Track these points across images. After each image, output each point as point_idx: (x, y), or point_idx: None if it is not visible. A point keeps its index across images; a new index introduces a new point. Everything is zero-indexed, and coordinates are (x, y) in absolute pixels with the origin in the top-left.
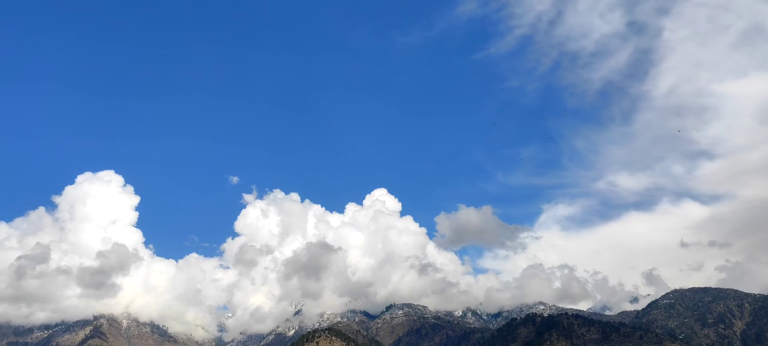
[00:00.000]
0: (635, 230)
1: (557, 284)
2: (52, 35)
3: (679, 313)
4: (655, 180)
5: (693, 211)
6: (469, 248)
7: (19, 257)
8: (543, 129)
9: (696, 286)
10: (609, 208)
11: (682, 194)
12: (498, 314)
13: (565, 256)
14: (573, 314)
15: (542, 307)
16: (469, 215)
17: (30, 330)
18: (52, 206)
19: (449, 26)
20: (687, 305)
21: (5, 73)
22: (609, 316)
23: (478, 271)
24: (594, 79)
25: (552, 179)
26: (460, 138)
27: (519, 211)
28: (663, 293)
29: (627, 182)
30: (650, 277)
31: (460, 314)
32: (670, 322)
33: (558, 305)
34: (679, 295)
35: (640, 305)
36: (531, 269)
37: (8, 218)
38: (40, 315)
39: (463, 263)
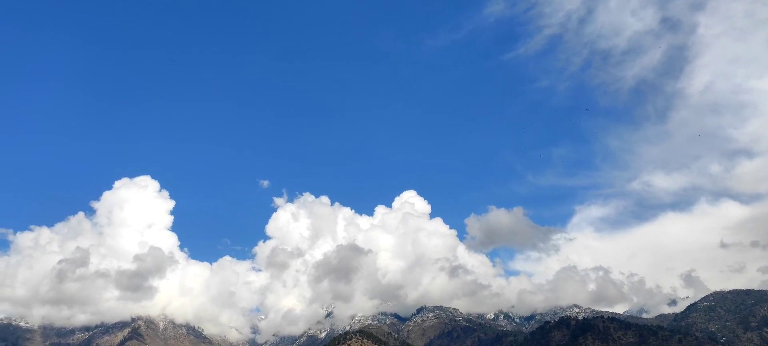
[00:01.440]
0: (672, 230)
1: (592, 287)
2: (90, 45)
3: (720, 316)
4: (692, 180)
5: (732, 211)
6: (499, 250)
7: (60, 261)
8: (575, 129)
9: (738, 288)
10: (644, 208)
11: (720, 194)
12: (531, 317)
13: (599, 258)
14: (609, 316)
15: (577, 310)
16: (499, 217)
17: (71, 332)
18: (91, 212)
19: (477, 28)
20: (728, 307)
21: (49, 83)
22: (646, 319)
23: (509, 273)
24: (627, 77)
25: (584, 179)
26: (490, 139)
27: (551, 212)
28: (703, 296)
29: (663, 182)
30: (689, 279)
31: (492, 316)
32: (711, 325)
33: (593, 307)
34: (719, 297)
35: (678, 308)
36: (564, 271)
37: (50, 223)
38: (81, 317)
39: (494, 266)
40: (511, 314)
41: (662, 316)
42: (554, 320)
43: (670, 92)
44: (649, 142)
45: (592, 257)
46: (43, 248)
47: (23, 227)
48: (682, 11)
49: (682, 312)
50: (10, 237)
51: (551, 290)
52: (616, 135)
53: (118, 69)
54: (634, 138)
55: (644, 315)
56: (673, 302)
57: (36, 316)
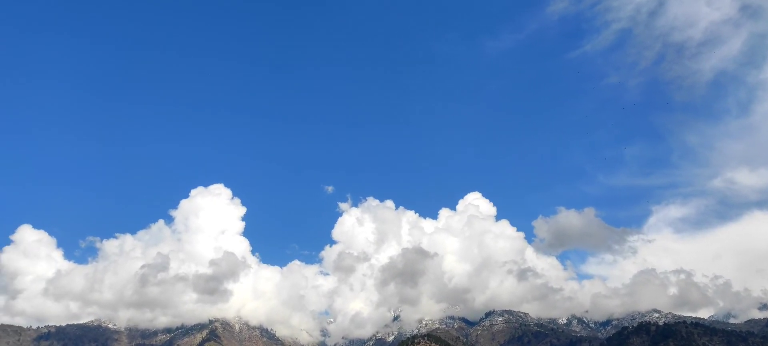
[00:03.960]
0: (761, 230)
1: (673, 290)
2: (159, 56)
3: None
4: None
5: None
6: (570, 252)
7: (142, 266)
8: (649, 126)
9: None
10: (728, 207)
11: None
12: (607, 322)
13: (680, 260)
14: (692, 322)
15: (657, 315)
16: (569, 218)
17: (154, 333)
18: (169, 219)
19: (540, 27)
20: None
21: (133, 101)
22: (734, 324)
23: (581, 276)
24: (704, 69)
25: (661, 178)
26: (556, 139)
27: (625, 213)
28: None
29: (748, 179)
30: None
31: (565, 321)
32: None
33: (674, 312)
34: None
35: None
36: (642, 275)
37: (133, 230)
38: (163, 319)
39: (565, 269)
40: (585, 319)
41: (752, 321)
42: (632, 326)
43: (752, 83)
44: (731, 136)
45: (672, 260)
46: (127, 254)
47: (109, 234)
48: None
49: None
50: (98, 245)
51: (628, 294)
52: (694, 131)
53: (189, 85)
54: (715, 133)
55: (732, 320)
56: (765, 307)
57: (122, 318)
